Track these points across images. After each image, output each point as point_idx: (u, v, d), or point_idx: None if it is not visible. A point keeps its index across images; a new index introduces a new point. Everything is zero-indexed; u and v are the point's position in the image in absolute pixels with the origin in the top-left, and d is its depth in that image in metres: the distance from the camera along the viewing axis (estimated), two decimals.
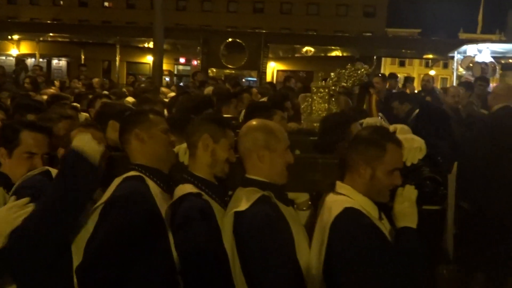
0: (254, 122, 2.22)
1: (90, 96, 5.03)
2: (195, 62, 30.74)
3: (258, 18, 33.16)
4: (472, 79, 9.10)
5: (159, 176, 2.12)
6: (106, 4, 35.64)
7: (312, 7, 34.09)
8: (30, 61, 20.23)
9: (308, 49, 26.70)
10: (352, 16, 33.84)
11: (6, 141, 2.16)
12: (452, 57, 12.94)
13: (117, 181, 2.06)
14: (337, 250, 1.91)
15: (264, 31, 27.84)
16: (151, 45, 29.63)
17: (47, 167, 2.17)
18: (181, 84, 19.18)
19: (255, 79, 26.34)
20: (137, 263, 1.91)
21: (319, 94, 3.42)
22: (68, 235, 2.00)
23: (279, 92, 6.05)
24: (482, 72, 9.99)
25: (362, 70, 3.72)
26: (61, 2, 32.47)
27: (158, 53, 14.47)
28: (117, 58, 26.69)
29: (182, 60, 30.43)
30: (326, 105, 3.42)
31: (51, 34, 23.99)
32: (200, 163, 2.14)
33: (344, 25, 31.67)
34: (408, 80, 12.20)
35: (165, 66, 16.39)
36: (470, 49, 11.44)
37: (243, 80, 23.06)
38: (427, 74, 15.85)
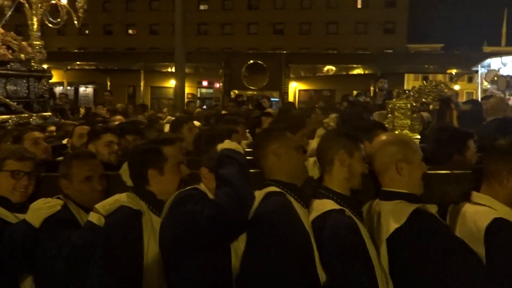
0: (386, 137, 2.29)
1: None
2: (217, 85, 31.18)
3: (278, 39, 33.51)
4: (497, 92, 8.92)
5: (297, 191, 2.14)
6: (130, 31, 36.74)
7: (331, 26, 34.27)
8: (58, 89, 20.91)
9: (329, 68, 26.76)
10: (372, 33, 33.84)
11: (153, 161, 2.17)
12: (476, 71, 12.74)
13: (258, 196, 2.06)
14: (499, 261, 1.88)
15: (284, 51, 28.12)
16: (173, 69, 30.25)
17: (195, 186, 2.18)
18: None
19: (277, 99, 26.52)
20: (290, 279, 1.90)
21: (401, 110, 3.43)
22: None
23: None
24: (507, 85, 9.79)
25: (442, 85, 3.72)
26: (87, 31, 33.65)
27: (180, 77, 14.76)
28: (142, 83, 27.39)
29: (204, 83, 30.87)
30: (408, 121, 3.41)
31: (78, 62, 24.85)
32: (337, 178, 2.17)
33: (364, 43, 31.67)
34: None
35: (188, 90, 16.62)
36: (494, 63, 11.25)
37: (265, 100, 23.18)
38: (452, 89, 15.56)
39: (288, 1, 34.60)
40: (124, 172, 2.30)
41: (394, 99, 3.48)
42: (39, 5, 5.34)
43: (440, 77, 37.89)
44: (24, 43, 5.29)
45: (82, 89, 28.09)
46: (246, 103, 13.71)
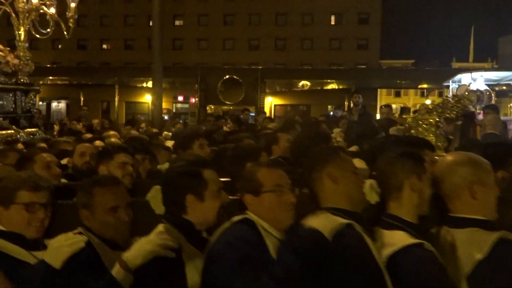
0: (455, 157, 2.06)
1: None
2: (193, 100, 31.03)
3: (254, 54, 33.75)
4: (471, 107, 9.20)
5: (362, 221, 1.91)
6: (104, 46, 36.28)
7: (306, 42, 34.75)
8: None
9: (305, 83, 27.08)
10: (346, 49, 34.48)
11: (193, 186, 1.93)
12: (447, 86, 13.11)
13: (324, 226, 1.81)
14: None
15: (260, 67, 28.32)
16: (149, 84, 30.02)
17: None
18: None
19: (253, 114, 26.46)
20: None
21: (424, 126, 3.34)
22: None
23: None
24: (478, 99, 10.11)
25: (465, 100, 3.69)
26: (60, 46, 33.10)
27: (157, 91, 14.62)
28: (116, 99, 27.00)
29: (180, 98, 30.66)
30: (432, 137, 3.32)
31: (50, 77, 24.34)
32: (407, 205, 1.94)
33: (338, 58, 32.22)
34: (405, 110, 12.29)
35: (163, 105, 16.47)
36: (465, 78, 11.61)
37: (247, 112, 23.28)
38: (424, 104, 15.98)
39: (263, 17, 34.98)
40: (154, 198, 2.10)
41: (416, 114, 3.42)
42: (27, 14, 5.23)
43: (412, 92, 38.88)
44: (11, 54, 5.16)
45: (54, 104, 27.47)
46: (225, 118, 13.64)
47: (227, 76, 26.55)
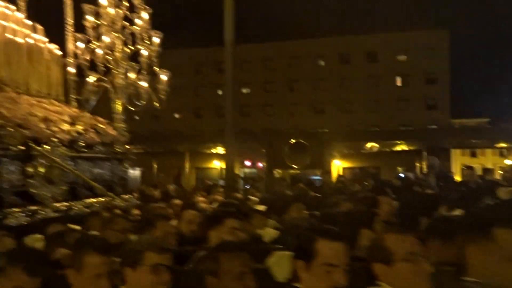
0: None
1: None
2: (260, 165, 31.33)
3: (319, 118, 33.97)
4: None
5: None
6: (176, 115, 38.24)
7: (371, 104, 34.56)
8: None
9: (373, 145, 26.62)
10: (414, 109, 33.83)
11: (302, 252, 1.88)
12: None
13: None
14: None
15: (326, 130, 28.33)
16: (218, 150, 30.80)
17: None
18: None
19: (319, 177, 26.21)
20: None
21: None
22: None
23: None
24: None
25: None
26: (136, 117, 35.21)
27: (230, 157, 14.91)
28: (187, 165, 27.90)
29: (248, 163, 31.05)
30: None
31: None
32: None
33: (406, 119, 31.59)
34: (487, 172, 11.53)
35: None
36: None
37: (308, 178, 23.10)
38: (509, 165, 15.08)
39: (327, 82, 35.48)
40: (276, 264, 2.04)
41: None
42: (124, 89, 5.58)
43: (489, 152, 36.89)
44: (110, 126, 5.47)
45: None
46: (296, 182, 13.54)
47: (293, 140, 26.71)
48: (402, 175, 19.15)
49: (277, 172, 27.22)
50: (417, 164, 23.78)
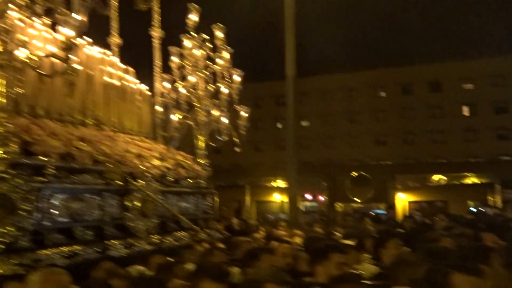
0: None
1: None
2: (321, 198, 30.84)
3: (381, 150, 33.16)
4: None
5: None
6: (236, 149, 38.96)
7: (436, 134, 33.41)
8: None
9: (440, 178, 25.52)
10: (483, 140, 32.27)
11: (433, 286, 1.89)
12: None
13: None
14: None
15: (389, 162, 27.56)
16: (278, 183, 30.69)
17: None
18: None
19: (384, 211, 25.42)
20: None
21: None
22: None
23: None
24: None
25: None
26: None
27: (292, 190, 14.87)
28: (247, 198, 28.04)
29: (308, 196, 30.67)
30: None
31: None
32: None
33: (475, 150, 30.13)
34: None
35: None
36: None
37: (370, 212, 22.48)
38: None
39: (389, 113, 34.79)
40: None
41: None
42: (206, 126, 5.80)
43: None
44: (193, 161, 5.67)
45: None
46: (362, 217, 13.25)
47: (355, 173, 26.20)
48: (474, 210, 18.14)
49: (339, 206, 26.70)
50: (490, 198, 22.48)
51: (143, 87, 5.81)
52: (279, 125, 34.52)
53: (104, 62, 5.29)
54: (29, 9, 3.62)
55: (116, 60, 5.68)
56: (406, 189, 27.16)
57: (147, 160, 4.95)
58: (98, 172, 4.28)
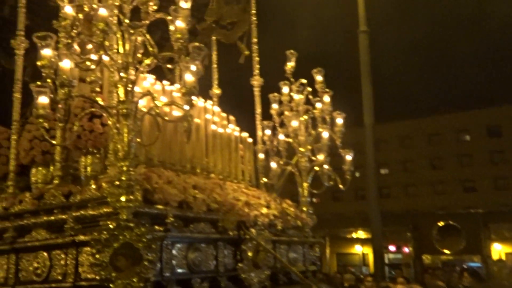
0: None
1: None
2: (406, 249, 29.10)
3: (470, 197, 31.04)
4: None
5: None
6: (314, 200, 38.41)
7: None
8: None
9: None
10: None
11: None
12: None
13: None
14: None
15: (480, 210, 25.63)
16: (359, 234, 29.48)
17: None
18: None
19: (479, 264, 23.48)
20: None
21: None
22: None
23: None
24: None
25: None
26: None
27: (376, 239, 14.10)
28: (327, 250, 27.09)
29: (392, 247, 29.08)
30: None
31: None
32: None
33: None
34: None
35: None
36: None
37: (464, 266, 20.72)
38: None
39: (476, 157, 32.78)
40: None
41: None
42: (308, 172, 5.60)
43: None
44: (297, 209, 5.45)
45: None
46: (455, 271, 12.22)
47: (442, 223, 24.64)
48: None
49: (426, 258, 25.00)
50: None
51: (245, 135, 5.77)
52: (357, 174, 33.67)
53: (208, 111, 5.33)
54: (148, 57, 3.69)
55: (217, 109, 5.72)
56: (503, 239, 25.10)
57: (255, 208, 4.78)
58: (212, 221, 4.16)
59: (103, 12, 3.35)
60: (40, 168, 4.43)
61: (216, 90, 6.45)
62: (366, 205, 18.40)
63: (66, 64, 3.25)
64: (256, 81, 6.13)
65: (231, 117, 5.78)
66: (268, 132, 5.86)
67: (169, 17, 3.54)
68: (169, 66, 3.70)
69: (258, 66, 6.21)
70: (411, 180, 33.52)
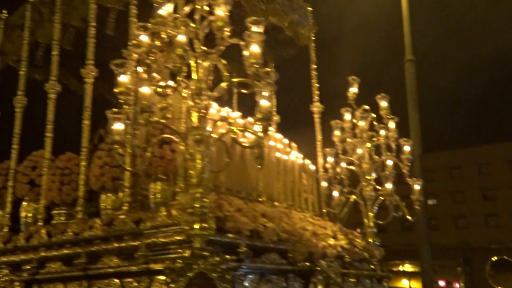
0: None
1: None
2: (457, 285, 27.71)
3: None
4: None
5: None
6: (358, 230, 37.37)
7: None
8: None
9: None
10: None
11: None
12: None
13: None
14: None
15: None
16: (406, 268, 28.25)
17: None
18: None
19: None
20: None
21: None
22: None
23: None
24: None
25: None
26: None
27: (426, 274, 13.45)
28: None
29: (441, 283, 27.79)
30: None
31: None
32: None
33: None
34: None
35: None
36: None
37: None
38: None
39: None
40: None
41: None
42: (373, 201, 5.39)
43: None
44: (363, 240, 5.22)
45: None
46: None
47: (495, 257, 23.34)
48: None
49: None
50: None
51: (307, 162, 5.63)
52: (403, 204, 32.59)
53: (270, 138, 5.24)
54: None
55: (279, 136, 5.63)
56: None
57: (323, 239, 4.58)
58: (282, 251, 4.00)
59: (181, 38, 3.37)
60: (109, 194, 4.43)
61: (275, 117, 6.39)
62: (413, 237, 17.64)
63: (145, 90, 3.25)
64: (316, 107, 6.02)
65: (293, 144, 5.67)
66: (330, 159, 5.71)
67: (242, 42, 3.52)
68: (244, 91, 3.65)
69: (317, 92, 6.12)
70: (461, 212, 32.00)
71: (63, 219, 4.72)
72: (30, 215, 4.97)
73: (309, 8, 6.28)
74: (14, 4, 6.05)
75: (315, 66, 6.21)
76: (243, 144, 3.60)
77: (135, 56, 3.61)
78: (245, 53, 3.48)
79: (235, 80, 3.58)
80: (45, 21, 5.51)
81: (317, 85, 6.11)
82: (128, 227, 3.95)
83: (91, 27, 4.98)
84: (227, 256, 3.44)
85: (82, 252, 4.04)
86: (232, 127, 3.51)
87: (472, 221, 31.14)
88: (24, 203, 5.02)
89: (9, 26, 6.00)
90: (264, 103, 3.42)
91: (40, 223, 4.75)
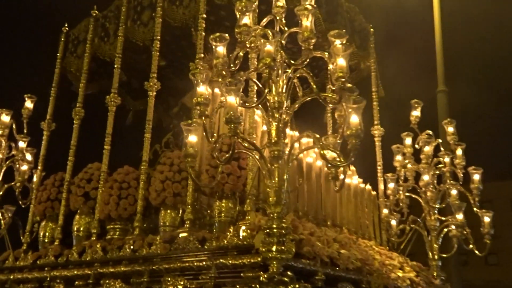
0: None
1: None
2: None
3: None
4: None
5: None
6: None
7: None
8: None
9: None
10: None
11: None
12: None
13: None
14: None
15: None
16: None
17: None
18: None
19: None
20: None
21: None
22: None
23: None
24: None
25: None
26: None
27: None
28: None
29: None
30: None
31: None
32: None
33: None
34: None
35: None
36: None
37: None
38: None
39: None
40: None
41: None
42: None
43: None
44: (428, 273, 4.87)
45: None
46: None
47: None
48: None
49: None
50: None
51: (368, 188, 5.35)
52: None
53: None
54: None
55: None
56: None
57: (391, 269, 4.28)
58: (355, 281, 3.71)
59: (269, 47, 3.21)
60: (169, 211, 4.24)
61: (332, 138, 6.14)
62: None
63: (232, 100, 3.08)
64: (377, 130, 5.77)
65: (352, 168, 5.41)
66: (391, 185, 5.42)
67: (326, 54, 3.35)
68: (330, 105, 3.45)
69: (378, 115, 5.88)
70: (492, 248, 30.43)
71: (118, 234, 4.53)
72: (82, 228, 4.80)
73: (371, 29, 6.12)
74: (77, 19, 6.04)
75: (375, 89, 5.98)
76: (329, 162, 3.34)
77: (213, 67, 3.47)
78: (331, 66, 3.31)
79: (323, 94, 3.38)
80: (110, 36, 5.46)
81: (378, 108, 5.87)
82: (192, 245, 3.73)
83: (156, 40, 4.90)
84: (307, 285, 3.19)
85: (144, 271, 3.82)
86: (315, 145, 3.30)
87: (506, 258, 29.77)
88: (77, 216, 4.86)
89: (71, 40, 5.98)
90: (354, 119, 3.21)
91: (94, 238, 4.57)
